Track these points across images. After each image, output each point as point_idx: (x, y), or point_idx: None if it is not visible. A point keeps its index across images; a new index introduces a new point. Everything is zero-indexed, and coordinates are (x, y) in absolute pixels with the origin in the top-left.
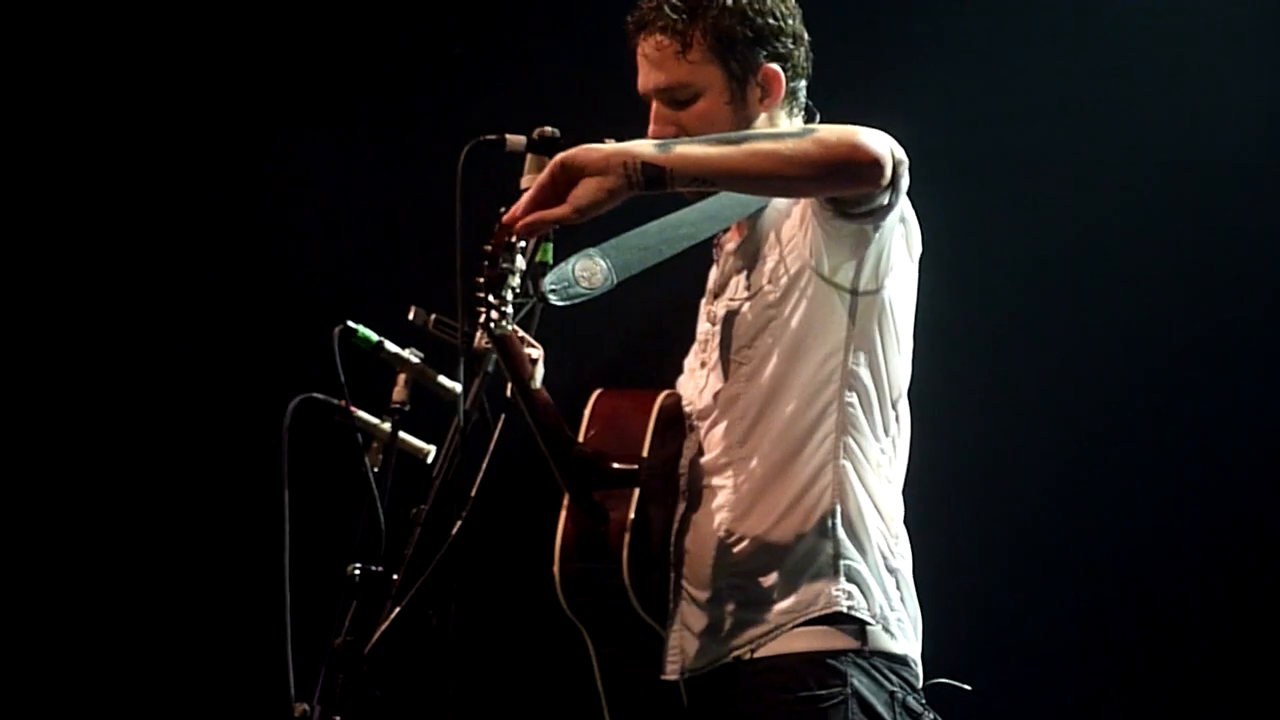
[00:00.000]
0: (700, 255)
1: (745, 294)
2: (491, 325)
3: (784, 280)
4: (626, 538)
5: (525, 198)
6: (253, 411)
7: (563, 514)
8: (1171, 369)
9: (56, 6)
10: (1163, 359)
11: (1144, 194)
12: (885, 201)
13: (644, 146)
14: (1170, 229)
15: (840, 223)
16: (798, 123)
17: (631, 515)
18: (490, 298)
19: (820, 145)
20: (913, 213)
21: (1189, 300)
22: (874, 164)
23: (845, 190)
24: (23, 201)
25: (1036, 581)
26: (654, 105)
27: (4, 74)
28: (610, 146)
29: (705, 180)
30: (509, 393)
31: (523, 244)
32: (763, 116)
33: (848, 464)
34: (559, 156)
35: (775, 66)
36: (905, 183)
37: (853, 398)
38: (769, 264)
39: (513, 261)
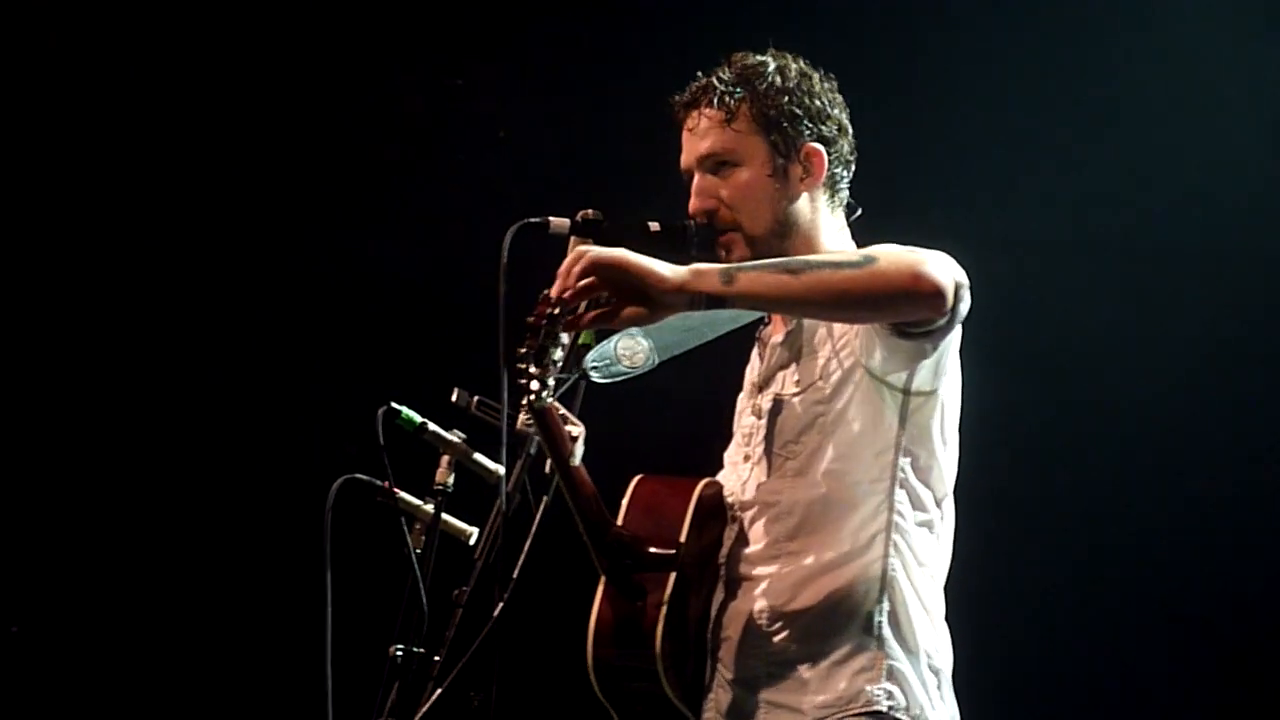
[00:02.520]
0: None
1: (795, 388)
2: (531, 398)
3: (836, 377)
4: (661, 623)
5: (559, 280)
6: (297, 492)
7: (598, 596)
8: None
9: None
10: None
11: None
12: (944, 324)
13: (710, 279)
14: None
15: (897, 340)
16: (839, 215)
17: (667, 600)
18: (532, 370)
19: (880, 277)
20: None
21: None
22: (935, 295)
23: (904, 318)
24: (84, 291)
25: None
26: (696, 177)
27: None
28: (678, 275)
29: (766, 310)
30: (548, 468)
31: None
32: (804, 196)
33: (897, 562)
34: (629, 265)
35: (819, 147)
36: (966, 305)
37: (902, 496)
38: (820, 359)
39: (555, 337)
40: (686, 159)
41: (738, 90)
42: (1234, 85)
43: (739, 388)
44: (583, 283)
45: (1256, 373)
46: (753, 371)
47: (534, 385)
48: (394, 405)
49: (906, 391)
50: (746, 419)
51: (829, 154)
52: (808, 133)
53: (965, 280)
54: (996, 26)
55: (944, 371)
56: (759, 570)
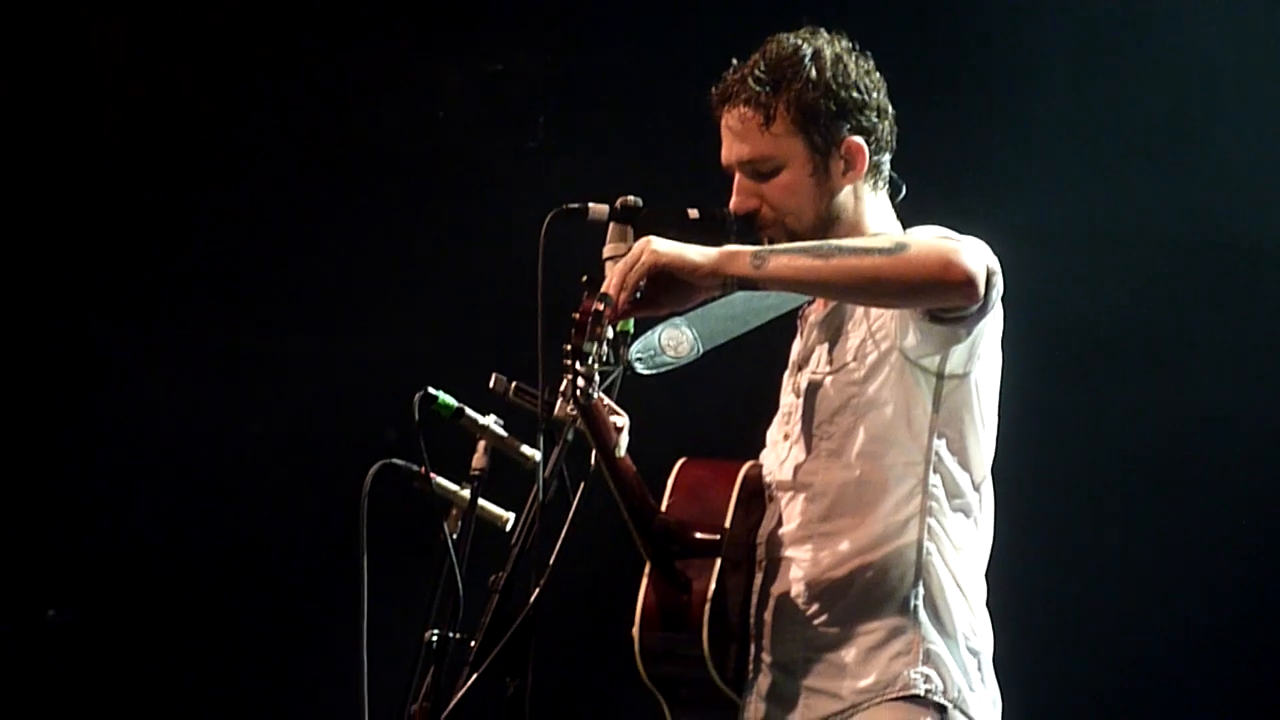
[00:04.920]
0: (788, 326)
1: (827, 368)
2: (577, 393)
3: (871, 359)
4: (707, 608)
5: (616, 276)
6: (333, 478)
7: (644, 583)
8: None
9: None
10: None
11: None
12: (977, 310)
13: (741, 262)
14: None
15: (930, 325)
16: (882, 195)
17: (713, 586)
18: (576, 365)
19: (911, 264)
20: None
21: None
22: (966, 282)
23: (935, 305)
24: (115, 264)
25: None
26: (737, 176)
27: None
28: (710, 260)
29: (796, 293)
30: (593, 460)
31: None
32: (846, 189)
33: (932, 546)
34: (659, 258)
35: (859, 140)
36: (999, 292)
37: (937, 479)
38: (853, 340)
39: (600, 331)
40: (726, 157)
41: (774, 90)
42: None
43: (780, 372)
44: (621, 274)
45: None
46: (794, 350)
47: (580, 382)
48: (431, 390)
49: (940, 375)
50: (786, 397)
51: (869, 143)
52: (847, 127)
53: (998, 267)
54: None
55: (978, 355)
56: (793, 552)
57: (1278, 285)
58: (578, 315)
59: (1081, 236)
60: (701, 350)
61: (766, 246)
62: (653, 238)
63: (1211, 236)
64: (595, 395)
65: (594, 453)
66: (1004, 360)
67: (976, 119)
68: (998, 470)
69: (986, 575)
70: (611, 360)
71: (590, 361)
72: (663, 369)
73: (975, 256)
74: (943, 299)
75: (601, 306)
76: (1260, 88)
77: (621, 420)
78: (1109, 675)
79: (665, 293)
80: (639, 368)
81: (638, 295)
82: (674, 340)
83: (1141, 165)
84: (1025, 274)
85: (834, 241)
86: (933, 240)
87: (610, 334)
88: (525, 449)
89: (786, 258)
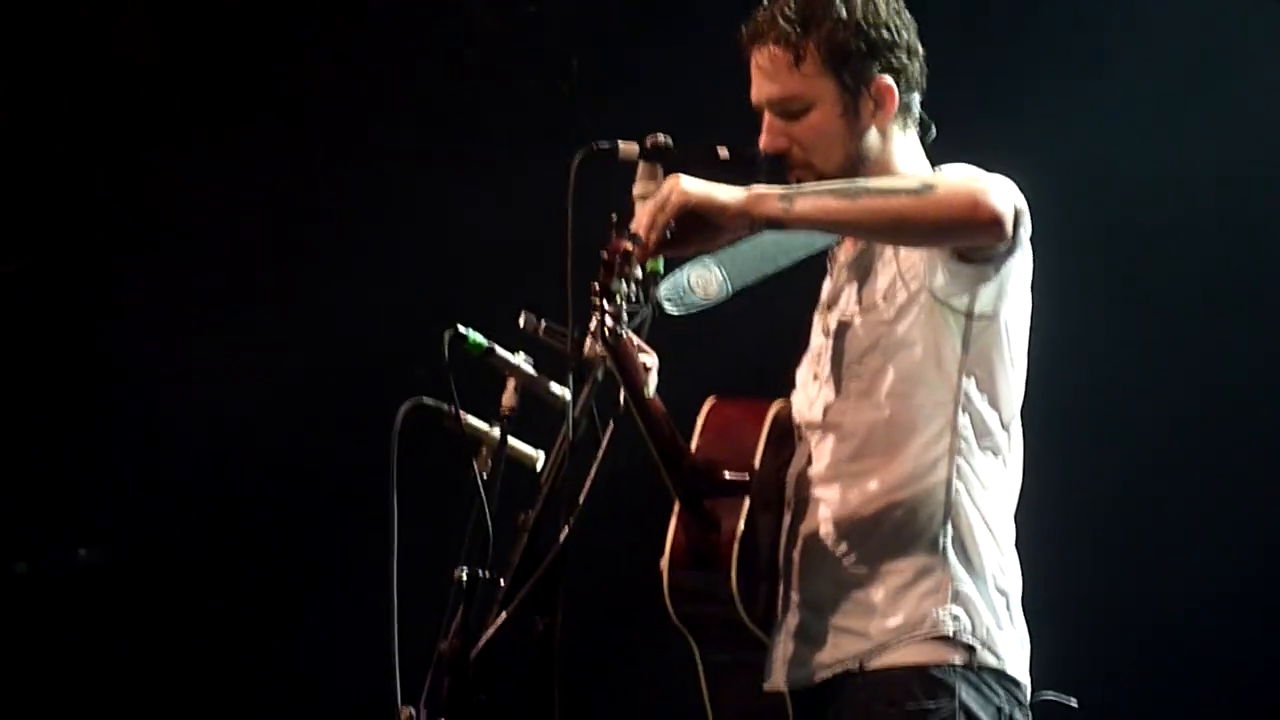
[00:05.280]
0: (816, 266)
1: (856, 308)
2: (606, 332)
3: (900, 299)
4: (736, 547)
5: (645, 216)
6: (363, 416)
7: (673, 522)
8: None
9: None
10: None
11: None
12: (1005, 249)
13: (770, 202)
14: None
15: (959, 264)
16: (911, 135)
17: (742, 525)
18: (605, 304)
19: (938, 203)
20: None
21: None
22: (994, 222)
23: (963, 244)
24: (145, 208)
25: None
26: (766, 116)
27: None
28: (738, 200)
29: (825, 232)
30: (621, 400)
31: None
32: (875, 129)
33: (960, 485)
34: (688, 198)
35: (889, 80)
36: (1027, 231)
37: (966, 420)
38: (883, 280)
39: (629, 270)
40: (756, 96)
41: (803, 30)
42: None
43: (810, 312)
44: (650, 214)
45: None
46: (824, 290)
47: (609, 320)
48: (460, 328)
49: (969, 315)
50: (816, 338)
51: (899, 83)
52: (877, 66)
53: (1025, 207)
54: None
55: (1006, 295)
56: (822, 492)
57: None
58: (606, 254)
59: (1121, 178)
60: (731, 290)
61: (794, 187)
62: (682, 177)
63: (1255, 175)
64: (624, 334)
65: (622, 392)
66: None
67: (1008, 58)
68: (1032, 414)
69: (1015, 517)
70: (640, 299)
71: (619, 300)
72: (692, 309)
73: (1003, 195)
74: (970, 238)
75: (630, 245)
76: None
77: (650, 360)
78: (1147, 615)
79: (694, 233)
80: (668, 308)
81: (667, 235)
82: (703, 280)
83: (1177, 108)
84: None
85: (861, 182)
86: (960, 179)
87: (639, 273)
88: (555, 387)
89: (814, 198)
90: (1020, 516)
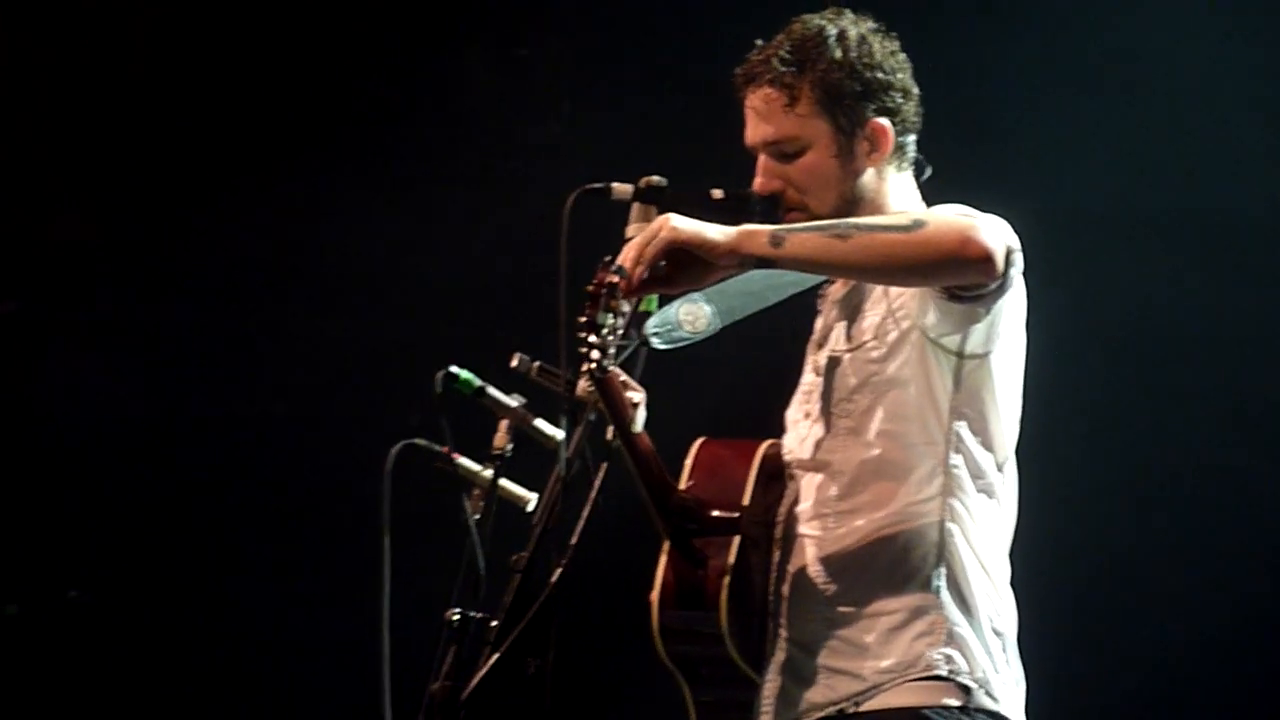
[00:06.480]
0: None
1: (846, 345)
2: (592, 366)
3: (891, 337)
4: (726, 585)
5: (632, 249)
6: (355, 457)
7: (662, 560)
8: None
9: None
10: None
11: None
12: (996, 287)
13: (760, 240)
14: None
15: (949, 303)
16: (906, 176)
17: (731, 563)
18: (592, 338)
19: (928, 239)
20: (1021, 280)
21: None
22: (985, 260)
23: (953, 282)
24: (138, 245)
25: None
26: (761, 157)
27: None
28: (728, 238)
29: (815, 272)
30: (609, 435)
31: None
32: (870, 171)
33: (954, 526)
34: (677, 234)
35: (884, 121)
36: (1018, 270)
37: (959, 460)
38: (872, 318)
39: (615, 304)
40: (751, 137)
41: (798, 71)
42: None
43: (800, 351)
44: (637, 249)
45: None
46: (815, 328)
47: (594, 354)
48: (453, 369)
49: (960, 354)
50: (807, 376)
51: (894, 124)
52: (872, 108)
53: (1017, 245)
54: None
55: (998, 335)
56: (812, 530)
57: None
58: (592, 287)
59: (1112, 220)
60: (719, 326)
61: (785, 226)
62: (672, 215)
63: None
64: (610, 368)
65: (610, 428)
66: (1030, 342)
67: (1000, 98)
68: (1029, 453)
69: (1012, 556)
70: (630, 335)
71: (605, 333)
72: (679, 344)
73: (994, 233)
74: (961, 276)
75: (615, 278)
76: None
77: (638, 396)
78: (1143, 655)
79: (683, 270)
80: (655, 342)
81: (658, 272)
82: (691, 315)
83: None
84: (1054, 257)
85: (852, 220)
86: (951, 217)
87: (626, 308)
88: (547, 428)
89: (804, 236)
90: (1014, 554)
